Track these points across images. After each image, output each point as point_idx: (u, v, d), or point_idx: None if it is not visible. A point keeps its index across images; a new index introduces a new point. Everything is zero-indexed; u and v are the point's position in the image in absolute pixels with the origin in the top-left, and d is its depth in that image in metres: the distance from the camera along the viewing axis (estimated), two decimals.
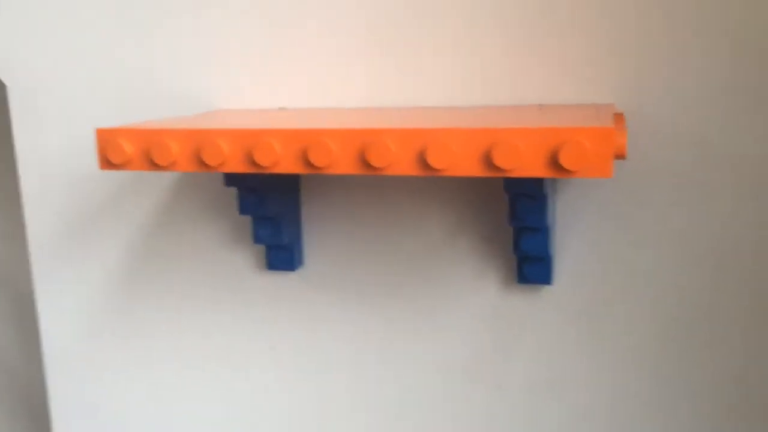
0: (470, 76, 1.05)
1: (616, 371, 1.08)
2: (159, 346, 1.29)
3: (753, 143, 0.97)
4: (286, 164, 0.81)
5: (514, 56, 1.03)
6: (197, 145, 0.83)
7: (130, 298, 1.29)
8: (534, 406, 1.12)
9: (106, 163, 0.87)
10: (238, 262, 1.22)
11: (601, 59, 1.00)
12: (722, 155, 0.98)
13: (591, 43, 1.00)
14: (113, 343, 1.32)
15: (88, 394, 1.36)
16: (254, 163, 0.82)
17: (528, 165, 0.73)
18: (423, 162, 0.76)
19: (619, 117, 0.91)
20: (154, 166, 0.85)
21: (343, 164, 0.79)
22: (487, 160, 0.74)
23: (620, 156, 0.76)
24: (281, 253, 1.17)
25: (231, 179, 1.04)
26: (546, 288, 1.08)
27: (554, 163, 0.73)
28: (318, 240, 1.18)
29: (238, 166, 0.83)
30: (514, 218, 0.96)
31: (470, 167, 0.75)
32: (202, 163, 0.84)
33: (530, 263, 1.04)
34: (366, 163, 0.78)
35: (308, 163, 0.80)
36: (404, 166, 0.77)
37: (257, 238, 1.12)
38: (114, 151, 0.86)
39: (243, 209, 1.08)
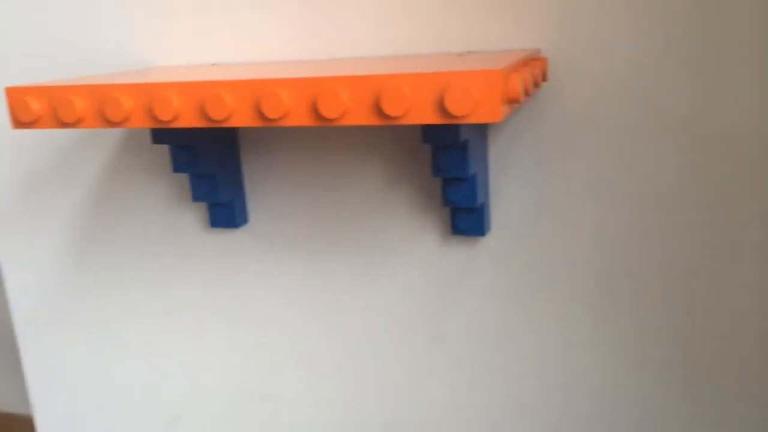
0: (396, 24, 1.02)
1: (553, 320, 1.07)
2: (110, 305, 1.31)
3: (679, 88, 0.93)
4: (240, 118, 0.78)
5: (442, 4, 1.00)
6: (101, 101, 0.83)
7: (82, 259, 1.31)
8: (474, 357, 1.12)
9: (17, 121, 0.87)
10: (183, 220, 1.22)
11: (533, 3, 0.97)
12: (649, 100, 0.95)
13: None
14: (71, 303, 1.34)
15: (53, 350, 1.39)
16: (207, 117, 0.79)
17: (416, 111, 0.72)
18: (315, 111, 0.75)
19: (530, 62, 0.88)
20: (61, 123, 0.85)
21: (296, 116, 0.76)
22: (377, 107, 0.73)
23: (514, 100, 0.74)
24: (223, 210, 1.17)
25: (158, 137, 1.03)
26: (481, 239, 1.07)
27: (442, 108, 0.71)
28: (261, 197, 1.18)
29: (142, 122, 0.83)
30: (435, 169, 0.94)
31: (361, 115, 0.74)
32: (107, 120, 0.84)
33: (461, 215, 1.03)
34: (319, 115, 0.75)
35: (262, 116, 0.77)
36: (299, 116, 0.76)
37: (195, 196, 1.12)
38: (22, 109, 0.86)
39: (176, 167, 1.07)
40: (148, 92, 0.81)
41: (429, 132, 0.91)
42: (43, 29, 1.20)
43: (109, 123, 0.84)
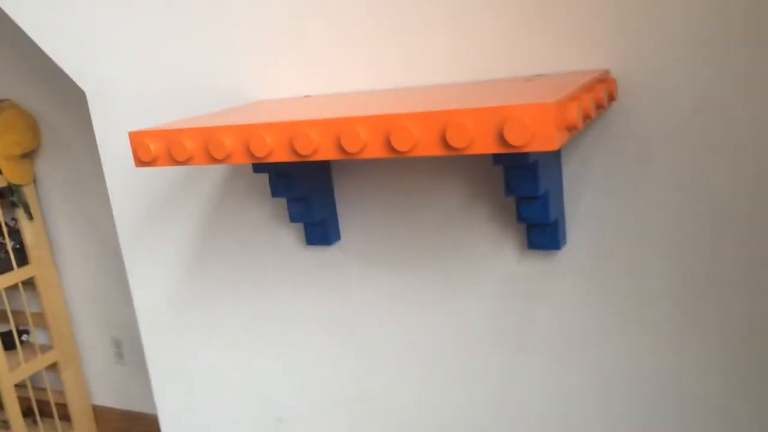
0: (469, 52, 1.09)
1: (629, 329, 1.10)
2: (223, 314, 1.45)
3: (747, 99, 0.95)
4: (324, 152, 0.87)
5: (511, 29, 1.06)
6: (206, 142, 0.95)
7: (198, 273, 1.46)
8: (555, 366, 1.17)
9: (138, 160, 1.02)
10: (283, 238, 1.34)
11: (598, 25, 1.01)
12: (719, 112, 0.97)
13: (587, 10, 1.01)
14: (189, 313, 1.50)
15: (174, 355, 1.55)
16: (295, 153, 0.89)
17: (479, 143, 0.79)
18: (389, 145, 0.84)
19: (596, 84, 0.93)
20: (174, 161, 0.98)
21: (372, 149, 0.84)
22: (443, 140, 0.80)
23: (572, 127, 0.79)
24: (317, 229, 1.28)
25: (258, 167, 1.16)
26: (557, 252, 1.12)
27: (502, 139, 0.78)
28: (352, 216, 1.28)
29: (241, 158, 0.94)
30: (508, 189, 1.00)
31: (429, 148, 0.82)
32: (212, 158, 0.96)
33: (536, 230, 1.08)
34: (392, 148, 0.83)
35: (343, 150, 0.86)
36: (375, 149, 0.85)
37: (292, 218, 1.24)
38: (143, 150, 1.00)
39: (274, 192, 1.19)
40: (245, 133, 0.92)
41: (499, 155, 0.97)
42: (156, 72, 1.36)
43: (214, 160, 0.96)
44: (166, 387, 1.59)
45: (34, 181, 2.56)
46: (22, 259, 2.54)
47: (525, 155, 0.95)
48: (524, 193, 1.00)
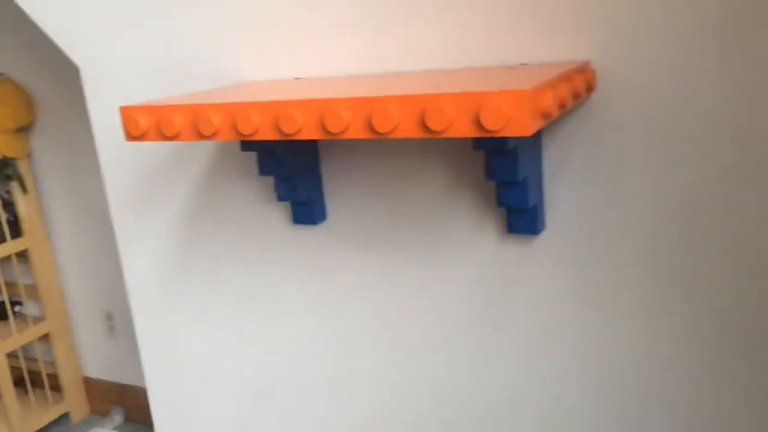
0: (457, 41, 1.11)
1: (606, 316, 1.13)
2: (209, 290, 1.48)
3: (725, 93, 0.97)
4: (308, 132, 0.90)
5: (496, 19, 1.08)
6: (194, 118, 0.98)
7: (186, 248, 1.48)
8: (531, 346, 1.20)
9: (128, 135, 1.04)
10: (270, 216, 1.37)
11: (581, 17, 1.03)
12: (696, 106, 0.99)
13: (571, 2, 1.03)
14: (177, 289, 1.53)
15: (163, 330, 1.59)
16: (280, 131, 0.91)
17: (457, 126, 0.81)
18: (370, 126, 0.86)
19: (575, 74, 0.95)
20: (163, 136, 1.01)
21: (354, 130, 0.87)
22: (423, 123, 0.83)
23: (547, 114, 0.81)
24: (304, 208, 1.30)
25: (246, 145, 1.18)
26: (536, 237, 1.15)
27: (478, 124, 0.80)
28: (338, 197, 1.30)
29: (228, 135, 0.97)
30: (488, 174, 1.03)
31: (409, 130, 0.84)
32: (200, 134, 0.98)
33: (516, 215, 1.11)
34: (374, 129, 0.85)
35: (326, 131, 0.89)
36: (357, 130, 0.87)
37: (279, 196, 1.26)
38: (132, 125, 1.02)
39: (262, 170, 1.22)
40: (233, 110, 0.95)
41: (479, 140, 1.00)
42: (149, 49, 1.38)
43: (202, 136, 0.98)
44: (155, 360, 1.63)
45: (29, 154, 2.57)
46: (16, 232, 2.56)
47: (504, 141, 0.97)
48: (504, 178, 1.03)
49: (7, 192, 2.59)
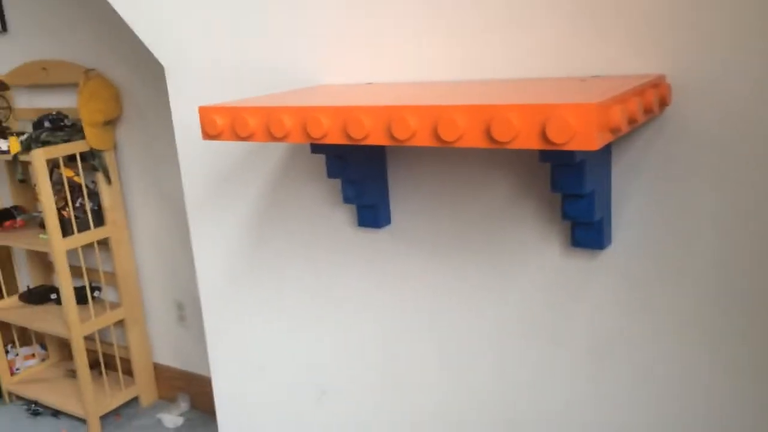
0: (530, 50, 1.11)
1: (666, 340, 1.10)
2: (277, 286, 1.53)
3: None
4: (375, 137, 0.92)
5: (570, 30, 1.08)
6: (267, 120, 1.01)
7: (256, 245, 1.53)
8: (590, 362, 1.18)
9: (206, 134, 1.09)
10: (336, 218, 1.40)
11: (657, 30, 1.01)
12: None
13: (646, 15, 1.02)
14: (247, 283, 1.58)
15: (230, 317, 1.64)
16: (348, 136, 0.94)
17: (522, 138, 0.81)
18: (436, 134, 0.87)
19: (648, 89, 0.93)
20: (237, 137, 1.05)
21: (420, 138, 0.89)
22: (488, 134, 0.84)
23: (615, 129, 0.81)
24: (369, 212, 1.33)
25: (316, 148, 1.21)
26: (601, 252, 1.13)
27: (544, 136, 0.80)
28: (403, 202, 1.32)
29: (299, 138, 1.00)
30: (554, 186, 1.02)
31: (475, 140, 0.85)
32: (272, 136, 1.02)
33: (580, 228, 1.10)
34: (439, 138, 0.87)
35: (392, 137, 0.91)
36: (424, 137, 0.89)
37: (345, 199, 1.29)
38: (210, 124, 1.07)
39: (330, 173, 1.25)
40: (304, 114, 0.98)
41: (546, 152, 0.99)
42: (231, 52, 1.43)
43: (274, 138, 1.02)
44: (220, 351, 1.68)
45: (115, 147, 2.70)
46: (99, 220, 2.69)
47: (572, 153, 0.97)
48: (570, 191, 1.02)
49: (93, 182, 2.72)
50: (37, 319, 2.82)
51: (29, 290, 3.02)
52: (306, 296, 1.49)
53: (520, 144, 0.82)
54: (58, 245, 2.59)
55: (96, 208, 2.72)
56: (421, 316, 1.35)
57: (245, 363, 1.64)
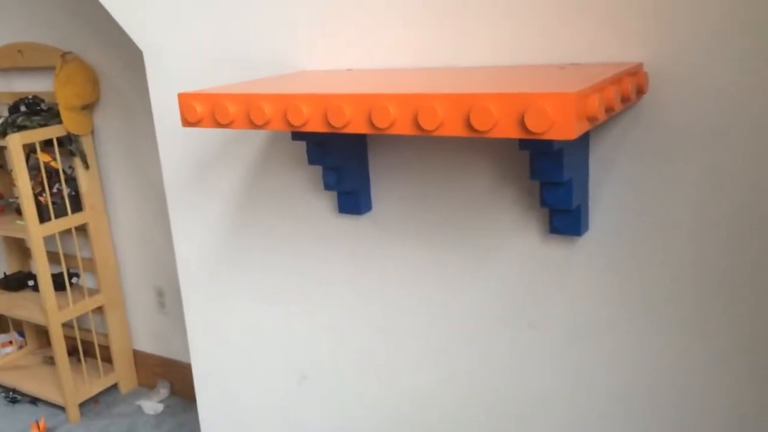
0: (508, 38, 1.12)
1: (642, 324, 1.13)
2: (256, 272, 1.53)
3: None
4: (355, 125, 0.92)
5: (549, 18, 1.08)
6: (247, 107, 1.01)
7: (235, 232, 1.53)
8: (567, 346, 1.20)
9: (185, 121, 1.08)
10: (316, 205, 1.40)
11: (635, 18, 1.02)
12: (752, 112, 0.98)
13: (625, 3, 1.02)
14: (225, 266, 1.58)
15: (210, 304, 1.64)
16: (328, 124, 0.94)
17: (501, 127, 0.82)
18: (416, 123, 0.88)
19: (625, 77, 0.94)
20: (217, 124, 1.04)
21: (400, 126, 0.89)
22: (467, 122, 0.84)
23: (593, 118, 0.82)
24: (349, 198, 1.33)
25: (296, 134, 1.21)
26: (578, 238, 1.15)
27: (523, 125, 0.81)
28: (384, 189, 1.33)
29: (279, 125, 1.00)
30: (533, 174, 1.03)
31: (454, 128, 0.85)
32: (252, 123, 1.01)
33: (559, 215, 1.11)
34: (419, 126, 0.87)
35: (372, 125, 0.91)
36: (403, 125, 0.89)
37: (326, 186, 1.29)
38: (189, 111, 1.06)
39: (311, 160, 1.25)
40: (284, 102, 0.98)
41: (524, 141, 1.00)
42: (210, 38, 1.42)
43: (254, 125, 1.02)
44: (200, 337, 1.68)
45: (92, 132, 2.67)
46: (77, 206, 2.67)
47: (550, 141, 0.98)
48: (548, 179, 1.03)
49: (71, 167, 2.69)
50: (15, 306, 2.80)
51: (6, 277, 2.99)
52: (286, 282, 1.50)
53: (498, 133, 0.83)
54: (35, 231, 2.56)
55: (74, 193, 2.69)
56: (401, 301, 1.36)
57: (225, 349, 1.65)
